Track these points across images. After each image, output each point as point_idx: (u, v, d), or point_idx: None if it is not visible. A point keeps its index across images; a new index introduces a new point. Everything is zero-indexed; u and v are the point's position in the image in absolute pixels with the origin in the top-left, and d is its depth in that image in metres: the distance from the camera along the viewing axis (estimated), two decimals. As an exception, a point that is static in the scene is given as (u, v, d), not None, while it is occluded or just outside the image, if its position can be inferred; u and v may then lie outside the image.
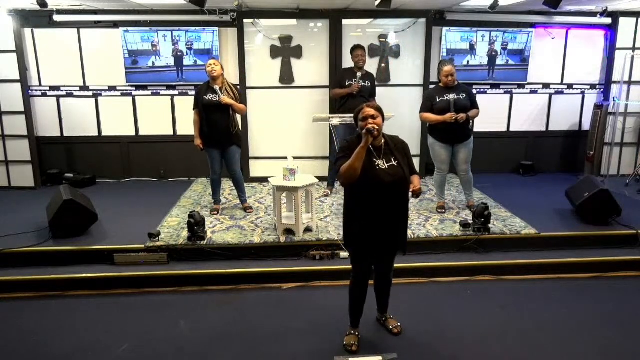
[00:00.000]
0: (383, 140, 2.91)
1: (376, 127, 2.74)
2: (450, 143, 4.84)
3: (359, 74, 5.34)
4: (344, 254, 4.20)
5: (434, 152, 4.95)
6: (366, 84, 5.42)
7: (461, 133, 4.79)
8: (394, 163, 2.86)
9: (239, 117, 4.94)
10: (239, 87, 5.13)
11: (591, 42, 6.56)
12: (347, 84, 5.37)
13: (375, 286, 3.26)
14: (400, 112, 6.03)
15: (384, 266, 3.15)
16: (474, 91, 5.39)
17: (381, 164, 2.84)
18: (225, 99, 4.64)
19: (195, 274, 4.05)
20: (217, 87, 4.65)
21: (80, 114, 6.34)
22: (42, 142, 6.33)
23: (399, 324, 3.30)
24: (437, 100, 4.72)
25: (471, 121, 4.78)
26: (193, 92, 6.28)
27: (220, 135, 4.76)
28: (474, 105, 4.80)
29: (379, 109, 2.88)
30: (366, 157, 2.77)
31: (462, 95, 4.73)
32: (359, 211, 2.89)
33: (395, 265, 3.95)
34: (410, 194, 2.88)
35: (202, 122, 4.76)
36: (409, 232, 4.44)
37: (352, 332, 3.16)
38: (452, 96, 4.69)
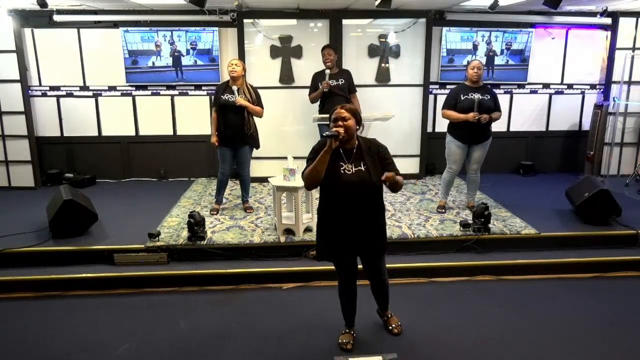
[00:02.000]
0: (356, 144, 2.82)
1: (341, 132, 2.67)
2: (468, 143, 4.82)
3: (327, 72, 5.36)
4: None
5: (449, 150, 4.92)
6: (339, 82, 5.43)
7: (481, 134, 4.76)
8: (362, 168, 2.78)
9: (257, 119, 4.92)
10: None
11: (591, 42, 6.56)
12: (319, 86, 5.42)
13: (371, 288, 3.26)
14: (400, 112, 6.04)
15: (371, 269, 3.11)
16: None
17: (348, 168, 2.77)
18: (240, 100, 4.64)
19: (195, 274, 4.05)
20: (235, 88, 4.66)
21: (80, 114, 6.34)
22: (42, 142, 6.33)
23: (399, 323, 3.30)
24: (462, 98, 4.69)
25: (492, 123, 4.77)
26: (193, 93, 6.32)
27: (234, 135, 4.77)
28: (496, 107, 4.78)
29: (352, 111, 2.78)
30: (334, 161, 2.72)
31: (487, 96, 4.70)
32: (325, 216, 2.87)
33: (395, 265, 3.99)
34: (383, 178, 2.64)
35: (218, 120, 4.78)
36: (409, 232, 4.45)
37: (347, 330, 3.17)
38: (477, 96, 4.66)
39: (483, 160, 4.93)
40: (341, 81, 5.46)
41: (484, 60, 6.41)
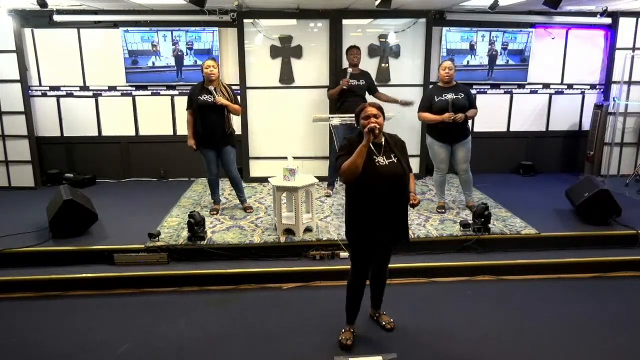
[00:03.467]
0: (383, 138, 2.98)
1: (377, 126, 2.82)
2: (448, 142, 4.85)
3: (349, 70, 5.39)
4: (344, 254, 4.20)
5: (432, 152, 4.96)
6: (360, 82, 5.46)
7: (459, 132, 4.80)
8: (393, 160, 2.94)
9: (235, 118, 4.92)
10: (233, 87, 5.12)
11: (591, 42, 6.55)
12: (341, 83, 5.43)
13: (370, 282, 3.29)
14: (401, 112, 6.03)
15: (381, 262, 3.19)
16: (473, 91, 5.39)
17: (381, 160, 2.91)
18: (221, 100, 4.64)
19: (195, 274, 4.05)
20: (211, 88, 4.65)
21: (80, 114, 6.34)
22: (42, 142, 6.33)
23: (392, 319, 3.34)
24: (436, 99, 4.73)
25: (470, 121, 4.79)
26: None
27: (215, 136, 4.76)
28: (472, 105, 4.81)
29: (380, 108, 2.96)
30: (367, 154, 2.84)
31: (461, 95, 4.73)
32: (361, 207, 2.94)
33: (396, 265, 3.99)
34: (410, 203, 2.97)
35: (196, 122, 4.76)
36: (409, 232, 4.44)
37: (348, 328, 3.18)
38: (450, 96, 4.70)
39: (469, 158, 4.94)
40: (362, 82, 5.49)
41: (485, 60, 6.41)
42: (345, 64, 6.04)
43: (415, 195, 2.99)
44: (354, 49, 5.52)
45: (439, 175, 5.04)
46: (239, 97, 4.93)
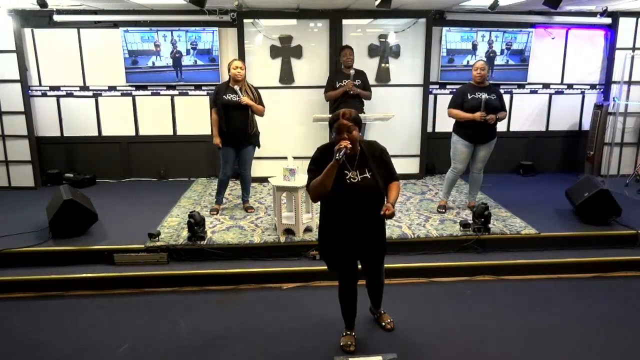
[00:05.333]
0: (358, 149, 2.77)
1: (348, 149, 2.60)
2: (474, 142, 4.81)
3: (352, 72, 5.37)
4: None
5: (455, 150, 4.91)
6: (356, 83, 5.46)
7: (488, 133, 4.76)
8: (367, 175, 2.76)
9: (257, 118, 4.94)
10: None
11: (591, 42, 6.55)
12: (337, 85, 5.43)
13: (367, 287, 3.28)
14: (400, 112, 6.04)
15: (371, 271, 3.15)
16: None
17: (353, 176, 2.75)
18: (245, 99, 4.66)
19: (195, 274, 4.05)
20: (237, 88, 4.67)
21: (80, 114, 6.33)
22: (42, 142, 6.32)
23: (391, 319, 3.34)
24: (469, 97, 4.68)
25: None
26: (193, 93, 6.31)
27: (239, 135, 4.77)
28: (502, 107, 4.79)
29: (355, 120, 2.71)
30: (338, 169, 2.65)
31: (493, 96, 4.70)
32: (330, 224, 2.86)
33: (396, 265, 4.00)
34: (381, 213, 2.69)
35: (220, 121, 4.76)
36: (409, 232, 4.45)
37: (348, 333, 3.16)
38: (484, 95, 4.66)
39: (487, 159, 4.93)
40: (357, 82, 5.48)
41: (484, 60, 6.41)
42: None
43: (390, 206, 2.68)
44: (346, 50, 5.50)
45: (453, 175, 4.99)
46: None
